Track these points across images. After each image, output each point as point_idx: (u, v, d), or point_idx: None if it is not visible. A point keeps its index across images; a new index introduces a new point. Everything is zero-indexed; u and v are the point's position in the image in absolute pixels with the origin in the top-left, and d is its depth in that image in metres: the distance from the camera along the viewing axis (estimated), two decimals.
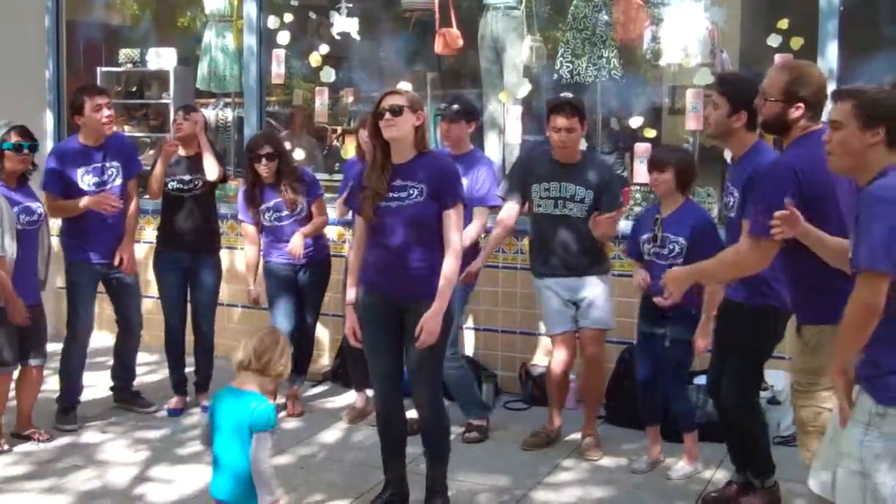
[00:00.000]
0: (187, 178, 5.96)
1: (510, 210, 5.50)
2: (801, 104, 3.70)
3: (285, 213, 5.82)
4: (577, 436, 5.52)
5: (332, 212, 6.14)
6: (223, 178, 6.14)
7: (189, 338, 6.21)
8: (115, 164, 5.80)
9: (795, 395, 3.77)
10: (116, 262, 5.78)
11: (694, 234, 4.83)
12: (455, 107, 5.59)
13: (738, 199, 4.13)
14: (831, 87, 5.56)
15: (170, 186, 5.97)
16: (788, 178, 3.52)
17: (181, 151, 6.02)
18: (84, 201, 5.61)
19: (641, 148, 6.40)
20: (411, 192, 4.24)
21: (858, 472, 2.90)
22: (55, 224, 6.02)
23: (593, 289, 5.35)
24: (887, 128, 2.92)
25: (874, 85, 3.30)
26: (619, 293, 6.01)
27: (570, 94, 5.99)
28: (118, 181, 5.81)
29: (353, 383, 6.10)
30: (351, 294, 4.49)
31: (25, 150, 5.28)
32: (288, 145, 6.55)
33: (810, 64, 4.06)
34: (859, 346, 2.89)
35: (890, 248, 2.79)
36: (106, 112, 5.68)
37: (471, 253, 5.37)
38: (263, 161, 5.73)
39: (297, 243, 5.77)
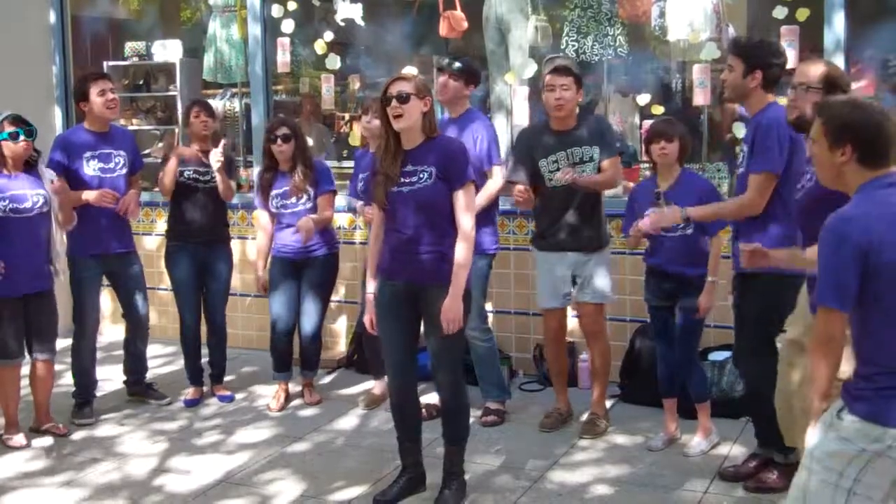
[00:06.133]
0: (203, 169, 5.95)
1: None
2: None
3: (290, 200, 5.81)
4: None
5: (343, 199, 6.10)
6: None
7: (203, 328, 6.22)
8: (121, 153, 5.84)
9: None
10: (119, 208, 5.71)
11: (702, 202, 4.81)
12: (457, 63, 5.51)
13: (745, 152, 4.36)
14: (839, 60, 5.56)
15: (185, 176, 5.95)
16: None
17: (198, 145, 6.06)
18: (86, 195, 5.62)
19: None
20: (421, 175, 4.24)
21: (806, 468, 2.87)
22: None
23: (595, 263, 5.35)
24: (853, 146, 2.83)
25: (846, 97, 3.30)
26: (632, 272, 6.00)
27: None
28: (124, 171, 5.84)
29: (372, 370, 6.08)
30: (370, 286, 4.50)
31: (22, 137, 5.22)
32: None
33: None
34: (830, 372, 2.83)
35: (832, 282, 2.77)
36: (110, 96, 5.71)
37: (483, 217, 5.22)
38: (279, 141, 5.73)
39: (306, 226, 5.64)
